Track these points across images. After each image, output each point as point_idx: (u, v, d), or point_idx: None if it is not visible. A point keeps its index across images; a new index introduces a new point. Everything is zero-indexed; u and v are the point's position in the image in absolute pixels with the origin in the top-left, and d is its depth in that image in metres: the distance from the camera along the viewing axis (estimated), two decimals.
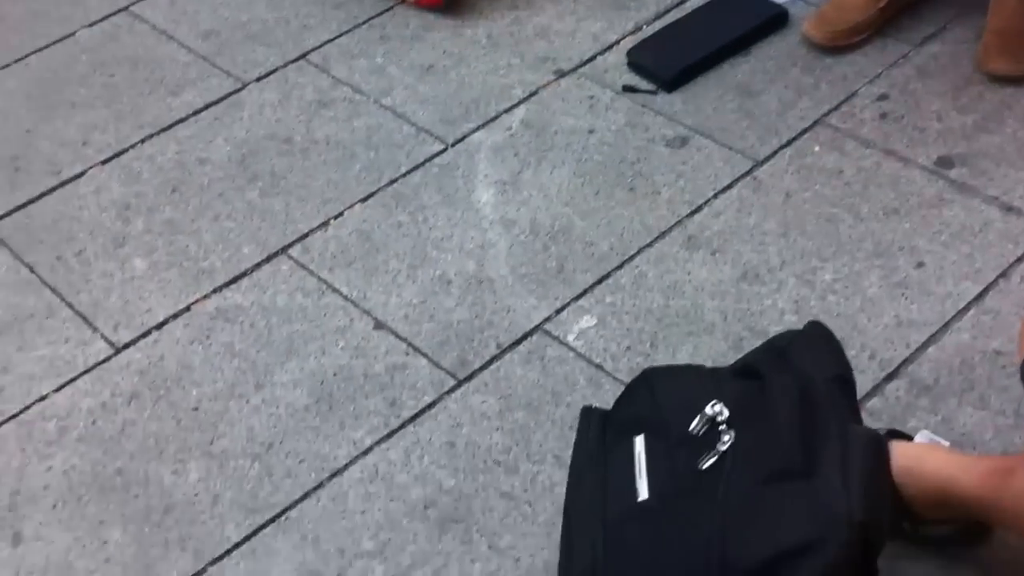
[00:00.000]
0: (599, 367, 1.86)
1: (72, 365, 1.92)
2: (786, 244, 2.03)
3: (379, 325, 1.96)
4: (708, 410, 1.22)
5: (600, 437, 1.31)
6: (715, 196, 2.13)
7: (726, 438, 1.20)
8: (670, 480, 1.22)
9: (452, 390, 1.85)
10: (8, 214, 2.20)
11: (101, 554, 1.67)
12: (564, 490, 1.37)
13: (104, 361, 1.93)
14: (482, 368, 1.88)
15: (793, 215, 2.08)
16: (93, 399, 1.87)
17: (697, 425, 1.23)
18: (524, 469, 1.74)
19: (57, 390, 1.89)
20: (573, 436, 1.39)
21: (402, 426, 1.81)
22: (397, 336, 1.94)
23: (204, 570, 1.65)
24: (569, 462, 1.39)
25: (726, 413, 1.22)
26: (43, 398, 1.88)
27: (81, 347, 1.95)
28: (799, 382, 1.22)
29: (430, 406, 1.83)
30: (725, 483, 1.17)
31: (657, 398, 1.30)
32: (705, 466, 1.20)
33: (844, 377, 1.30)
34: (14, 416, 1.85)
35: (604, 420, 1.34)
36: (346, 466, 1.76)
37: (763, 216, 2.08)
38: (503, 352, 1.90)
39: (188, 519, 1.71)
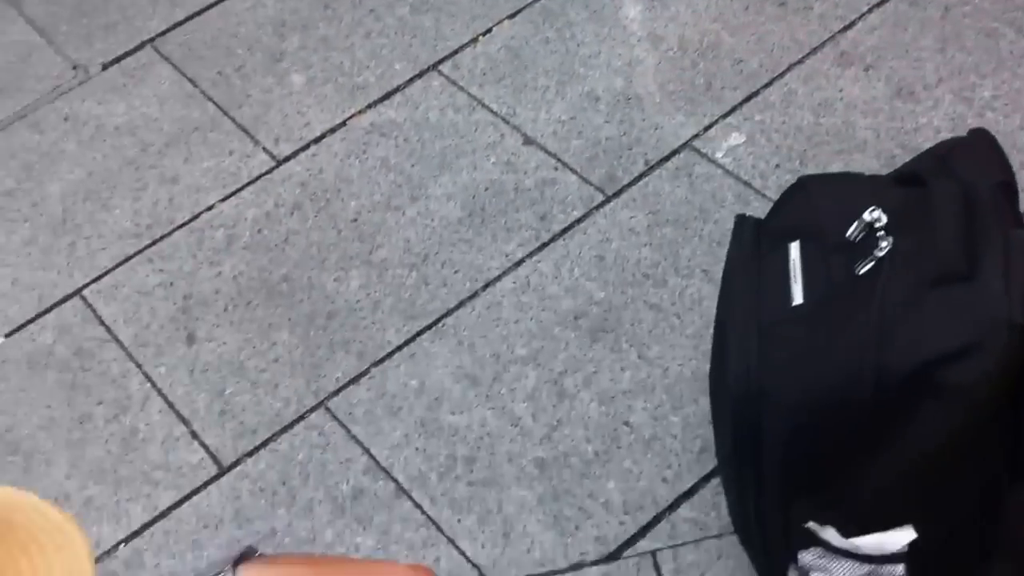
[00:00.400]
0: (747, 184, 1.87)
1: (236, 177, 2.00)
2: (943, 60, 1.98)
3: (528, 141, 1.98)
4: (866, 216, 1.22)
5: (754, 244, 1.32)
6: (869, 10, 2.08)
7: (884, 244, 1.20)
8: (826, 285, 1.23)
9: (601, 205, 1.89)
10: (169, 30, 2.27)
11: (270, 354, 1.77)
12: (712, 304, 1.40)
13: (266, 173, 2.00)
14: (630, 184, 1.90)
15: (951, 30, 2.02)
16: (257, 209, 1.95)
17: (854, 231, 1.23)
18: (672, 283, 1.77)
19: (223, 200, 1.98)
20: (721, 251, 1.41)
21: (552, 239, 1.85)
22: (546, 152, 1.96)
23: (367, 371, 1.74)
24: (718, 277, 1.41)
25: (884, 219, 1.21)
26: (210, 208, 1.97)
27: (244, 159, 2.03)
28: (962, 187, 1.21)
29: (579, 220, 1.87)
30: (882, 288, 1.17)
31: (813, 205, 1.29)
32: (862, 271, 1.20)
33: (1008, 183, 1.28)
34: (184, 224, 1.95)
35: (758, 227, 1.35)
36: (499, 277, 1.82)
37: (920, 31, 2.03)
38: (651, 169, 1.92)
39: (351, 324, 1.79)
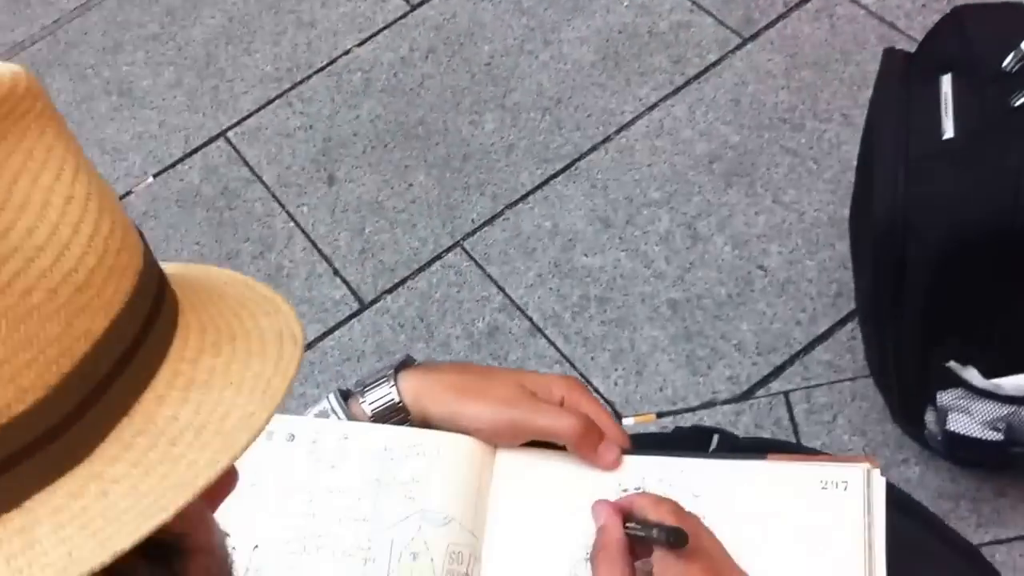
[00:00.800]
0: (892, 25, 1.81)
1: (372, 21, 2.01)
2: None
3: None
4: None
5: (903, 77, 1.29)
6: None
7: None
8: (979, 118, 1.19)
9: (737, 48, 1.85)
10: None
11: (408, 195, 1.80)
12: (851, 148, 1.38)
13: (401, 18, 2.01)
14: (768, 26, 1.86)
15: None
16: (393, 53, 1.97)
17: (1011, 61, 1.19)
18: (810, 126, 1.74)
19: (360, 45, 1.99)
20: (862, 95, 1.37)
21: (687, 83, 1.83)
22: None
23: (502, 212, 1.76)
24: (858, 121, 1.38)
25: None
26: (347, 52, 1.99)
27: (379, 4, 2.03)
28: None
29: (715, 64, 1.84)
30: None
31: (968, 35, 1.26)
32: (1018, 103, 1.17)
33: None
34: (323, 68, 1.97)
35: (908, 60, 1.31)
36: (632, 121, 1.81)
37: None
38: (790, 10, 1.87)
39: (486, 166, 1.81)
